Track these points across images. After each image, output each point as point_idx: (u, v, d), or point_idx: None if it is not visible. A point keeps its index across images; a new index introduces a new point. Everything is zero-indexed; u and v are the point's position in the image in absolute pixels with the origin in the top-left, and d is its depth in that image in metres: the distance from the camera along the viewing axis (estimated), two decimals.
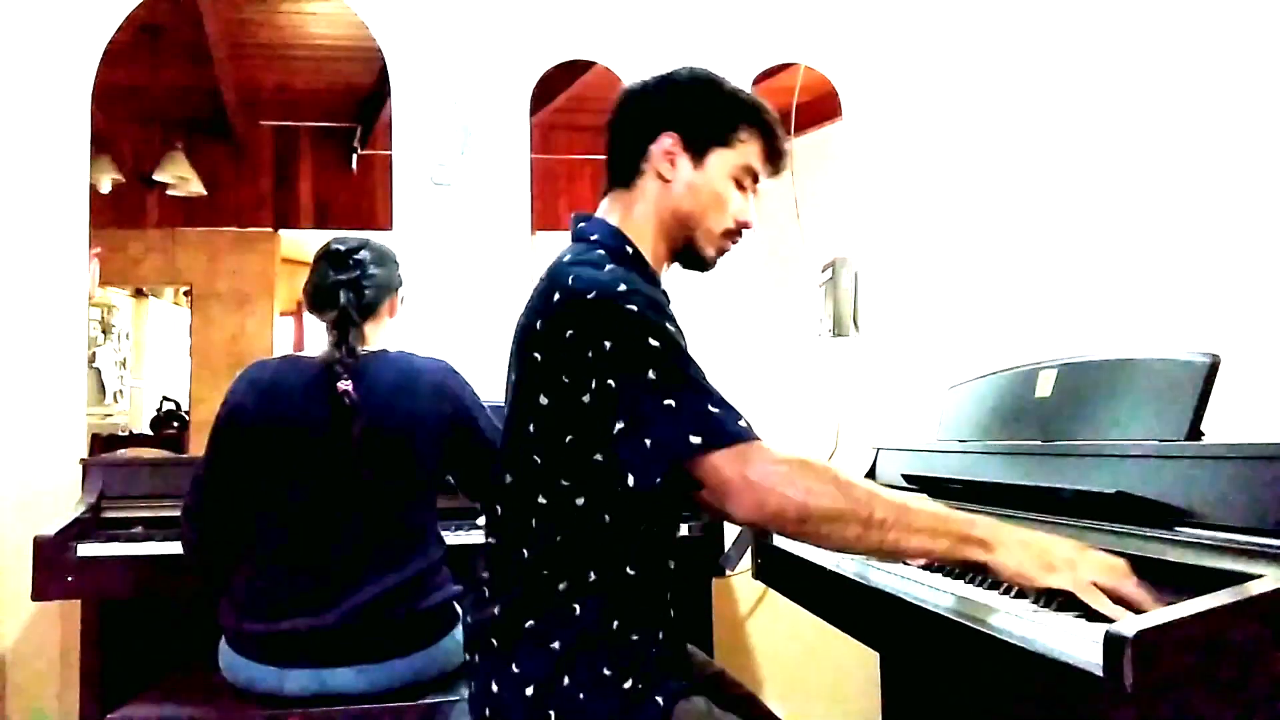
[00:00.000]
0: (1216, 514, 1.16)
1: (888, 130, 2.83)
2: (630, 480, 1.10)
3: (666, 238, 1.32)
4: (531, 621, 1.21)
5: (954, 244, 2.55)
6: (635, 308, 1.14)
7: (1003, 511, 1.56)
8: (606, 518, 1.22)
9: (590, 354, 1.13)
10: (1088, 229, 1.97)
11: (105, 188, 5.33)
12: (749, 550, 2.16)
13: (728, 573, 2.33)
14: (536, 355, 1.20)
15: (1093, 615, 1.05)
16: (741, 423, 1.09)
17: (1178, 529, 1.19)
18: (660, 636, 1.29)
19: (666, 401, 1.09)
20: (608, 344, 1.12)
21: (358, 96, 5.02)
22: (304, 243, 7.15)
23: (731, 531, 2.22)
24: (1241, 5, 1.56)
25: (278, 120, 5.81)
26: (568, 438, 1.20)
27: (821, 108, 3.23)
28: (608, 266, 1.20)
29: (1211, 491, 1.19)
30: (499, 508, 1.30)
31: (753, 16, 2.82)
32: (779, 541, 2.06)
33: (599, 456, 1.18)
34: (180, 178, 5.62)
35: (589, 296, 1.15)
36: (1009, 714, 1.26)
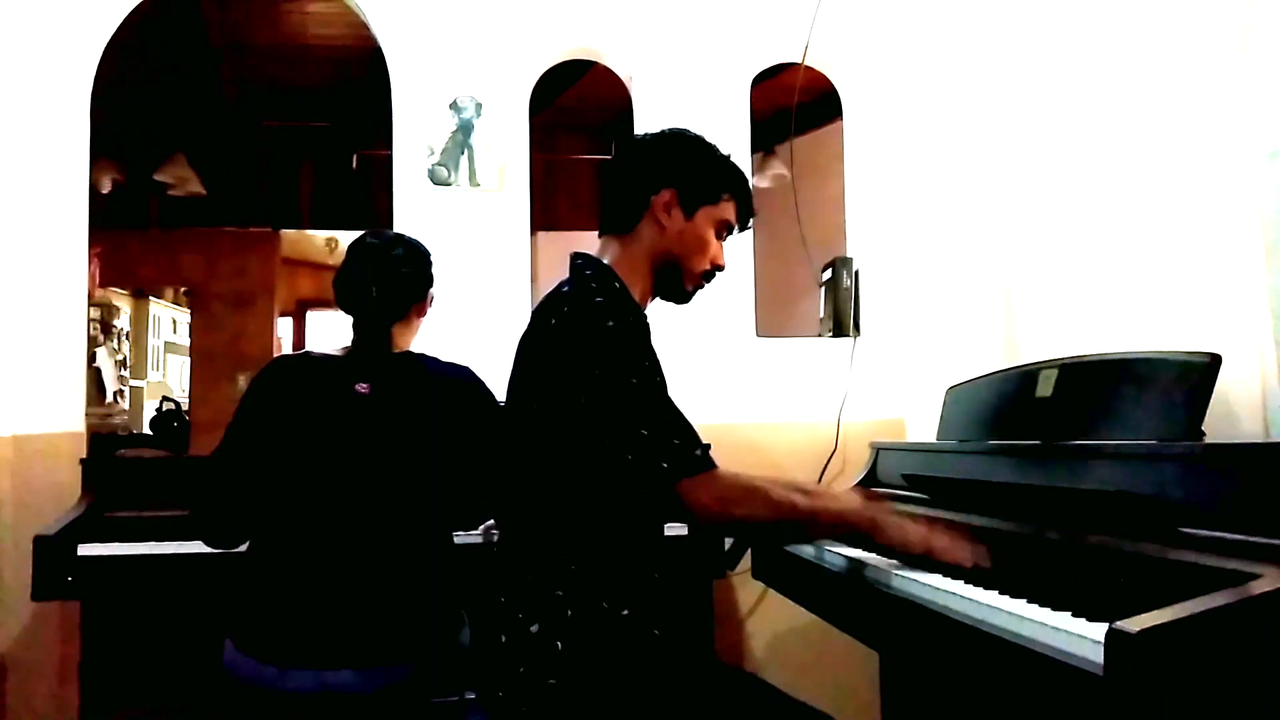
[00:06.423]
0: (1216, 514, 1.16)
1: (888, 130, 2.83)
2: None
3: (654, 275, 1.53)
4: (537, 626, 1.35)
5: (954, 244, 2.55)
6: (620, 339, 1.36)
7: (1002, 512, 1.57)
8: (596, 521, 1.39)
9: (581, 376, 1.34)
10: (1088, 228, 1.96)
11: (105, 188, 5.33)
12: (749, 550, 2.16)
13: (728, 573, 2.33)
14: (534, 372, 1.42)
15: (1093, 614, 1.05)
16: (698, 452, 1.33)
17: (1178, 529, 1.19)
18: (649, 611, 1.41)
19: (642, 430, 1.31)
20: (597, 371, 1.33)
21: (358, 96, 5.01)
22: (304, 243, 7.16)
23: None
24: (1239, 8, 1.56)
25: (278, 120, 5.81)
26: (561, 448, 1.38)
27: (821, 108, 3.24)
28: (597, 299, 1.40)
29: (1211, 491, 1.19)
30: (506, 512, 1.47)
31: (753, 16, 2.82)
32: None
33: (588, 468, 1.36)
34: (180, 178, 5.62)
35: (582, 323, 1.37)
36: (1009, 713, 1.26)
